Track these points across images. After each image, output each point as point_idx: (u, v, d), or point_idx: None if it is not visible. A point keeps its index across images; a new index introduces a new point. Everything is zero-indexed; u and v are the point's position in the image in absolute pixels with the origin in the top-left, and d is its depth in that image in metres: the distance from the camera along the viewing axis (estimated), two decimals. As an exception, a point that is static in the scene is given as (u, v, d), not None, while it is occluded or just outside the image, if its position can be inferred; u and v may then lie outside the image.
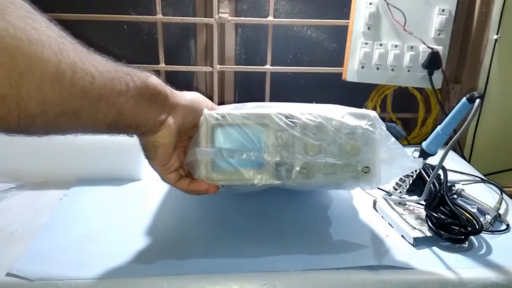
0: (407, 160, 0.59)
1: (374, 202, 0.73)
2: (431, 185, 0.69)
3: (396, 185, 0.73)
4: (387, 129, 0.59)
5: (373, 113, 0.58)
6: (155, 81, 0.48)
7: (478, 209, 0.73)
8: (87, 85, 0.40)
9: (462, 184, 0.83)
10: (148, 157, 0.54)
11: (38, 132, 0.39)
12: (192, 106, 0.54)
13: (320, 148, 0.57)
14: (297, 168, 0.57)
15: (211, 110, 0.56)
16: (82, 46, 0.41)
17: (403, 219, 0.68)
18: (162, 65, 1.04)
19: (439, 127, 0.66)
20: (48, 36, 0.36)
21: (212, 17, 1.01)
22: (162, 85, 0.50)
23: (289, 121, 0.56)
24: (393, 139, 0.59)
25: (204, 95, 0.58)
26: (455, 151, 1.03)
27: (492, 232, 0.67)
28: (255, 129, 0.56)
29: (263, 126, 0.56)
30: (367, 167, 0.58)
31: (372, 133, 0.57)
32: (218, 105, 1.00)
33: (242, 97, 1.16)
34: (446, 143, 0.64)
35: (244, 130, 0.55)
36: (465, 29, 1.03)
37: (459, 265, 0.59)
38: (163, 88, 0.50)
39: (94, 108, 0.42)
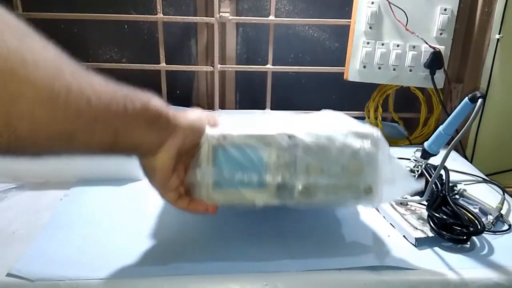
0: (410, 181, 0.59)
1: (376, 202, 0.73)
2: (433, 185, 0.68)
3: (397, 185, 0.73)
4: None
5: (377, 133, 0.57)
6: (156, 103, 0.47)
7: (480, 209, 0.73)
8: (82, 106, 0.38)
9: (464, 184, 0.83)
10: (146, 176, 0.54)
11: (30, 153, 0.38)
12: (194, 126, 0.53)
13: (322, 169, 0.56)
14: (299, 188, 0.56)
15: (213, 127, 0.55)
16: (80, 67, 0.40)
17: (405, 219, 0.68)
18: (162, 65, 1.04)
19: (441, 127, 0.66)
20: (43, 57, 0.36)
21: (213, 17, 1.00)
22: (163, 108, 0.48)
23: (291, 141, 0.55)
24: (396, 160, 0.58)
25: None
26: (457, 151, 1.03)
27: (494, 232, 0.67)
28: (256, 150, 0.55)
29: (265, 146, 0.55)
30: (369, 188, 0.57)
31: (375, 154, 0.57)
32: (219, 105, 0.99)
33: (243, 97, 1.16)
34: (448, 143, 0.64)
35: (245, 151, 0.54)
36: (467, 28, 1.03)
37: (461, 265, 0.59)
38: (164, 110, 0.48)
39: (89, 130, 0.41)
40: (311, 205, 0.57)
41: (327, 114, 0.77)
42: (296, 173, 0.56)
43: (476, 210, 0.71)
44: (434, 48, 0.96)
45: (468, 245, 0.63)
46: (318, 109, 1.04)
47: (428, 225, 0.65)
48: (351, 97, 1.14)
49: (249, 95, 1.17)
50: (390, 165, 0.57)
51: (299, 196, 0.56)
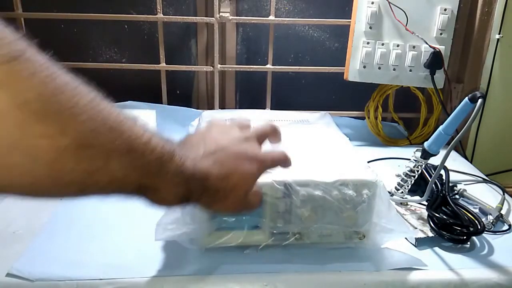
0: (405, 229, 0.60)
1: (376, 202, 0.73)
2: (433, 185, 0.68)
3: (398, 185, 0.73)
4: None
5: (378, 181, 0.57)
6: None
7: (480, 209, 0.73)
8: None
9: (464, 184, 0.83)
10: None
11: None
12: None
13: (317, 216, 0.57)
14: (293, 232, 0.58)
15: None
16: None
17: (405, 220, 0.67)
18: (162, 65, 1.04)
19: (441, 127, 0.66)
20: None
21: (213, 17, 1.00)
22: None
23: (287, 191, 0.56)
24: (394, 210, 0.58)
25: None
26: (457, 151, 1.03)
27: (494, 232, 0.67)
28: None
29: (262, 194, 0.55)
30: (363, 235, 0.59)
31: (372, 204, 0.57)
32: (219, 105, 0.98)
33: (243, 97, 1.16)
34: (448, 143, 0.64)
35: None
36: (467, 28, 1.03)
37: (461, 265, 0.59)
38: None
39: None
40: (303, 246, 0.59)
41: (322, 132, 0.78)
42: (290, 220, 0.57)
43: (476, 210, 0.71)
44: (434, 48, 0.96)
45: (468, 245, 0.63)
46: (318, 109, 1.04)
47: (428, 225, 0.65)
48: (351, 97, 1.14)
49: (249, 95, 1.17)
50: (388, 213, 0.57)
51: (293, 239, 0.58)
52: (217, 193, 0.45)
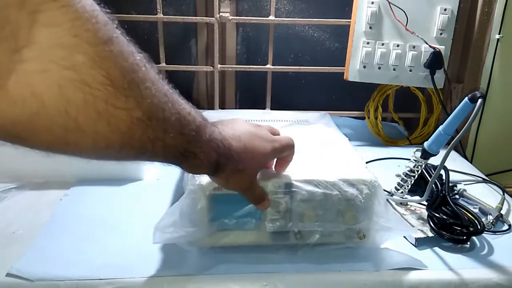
0: (404, 227, 0.61)
1: (376, 202, 0.73)
2: (433, 185, 0.68)
3: (398, 185, 0.73)
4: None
5: (374, 179, 0.58)
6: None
7: (480, 209, 0.73)
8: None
9: (464, 184, 0.83)
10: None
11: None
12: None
13: (317, 216, 0.57)
14: (294, 232, 0.58)
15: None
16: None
17: (405, 220, 0.67)
18: (162, 65, 1.04)
19: (441, 127, 0.66)
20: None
21: (213, 17, 1.00)
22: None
23: (288, 191, 0.56)
24: (391, 209, 0.59)
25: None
26: (457, 151, 1.03)
27: (494, 232, 0.67)
28: None
29: None
30: (363, 234, 0.59)
31: (371, 203, 0.58)
32: (219, 105, 0.99)
33: (243, 97, 1.16)
34: (448, 143, 0.64)
35: (241, 198, 0.55)
36: (467, 28, 1.03)
37: (461, 265, 0.59)
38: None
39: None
40: (304, 244, 0.59)
41: (321, 132, 0.78)
42: (291, 219, 0.57)
43: (476, 210, 0.71)
44: (434, 48, 0.96)
45: (468, 245, 0.63)
46: (318, 109, 1.04)
47: (428, 225, 0.65)
48: (351, 97, 1.14)
49: (249, 95, 1.17)
50: (386, 213, 0.58)
51: (294, 239, 0.59)
52: (237, 164, 0.49)
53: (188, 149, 0.43)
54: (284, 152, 0.55)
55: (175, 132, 0.41)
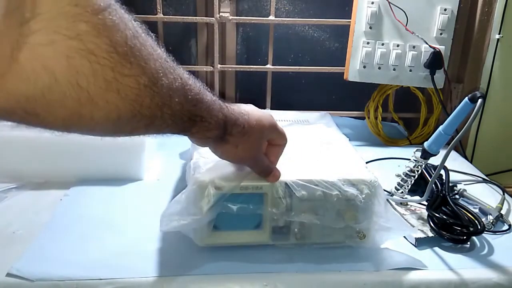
0: (403, 227, 0.61)
1: (376, 202, 0.73)
2: (433, 185, 0.68)
3: (398, 185, 0.73)
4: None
5: (374, 179, 0.58)
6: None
7: (480, 209, 0.73)
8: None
9: (464, 184, 0.83)
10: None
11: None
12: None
13: (317, 215, 0.57)
14: (294, 232, 0.58)
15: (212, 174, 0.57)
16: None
17: (405, 220, 0.67)
18: (163, 65, 1.04)
19: (441, 127, 0.66)
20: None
21: (213, 17, 1.00)
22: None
23: (288, 191, 0.56)
24: (391, 208, 0.59)
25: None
26: (457, 151, 1.03)
27: (494, 232, 0.67)
28: (253, 197, 0.56)
29: (262, 193, 0.56)
30: (363, 234, 0.59)
31: (371, 203, 0.58)
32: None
33: (243, 97, 1.16)
34: (448, 143, 0.64)
35: (242, 197, 0.55)
36: (467, 28, 1.03)
37: (461, 265, 0.59)
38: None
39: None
40: (304, 244, 0.59)
41: (322, 132, 0.78)
42: (291, 219, 0.57)
43: (476, 210, 0.71)
44: (434, 48, 0.96)
45: (468, 245, 0.63)
46: (318, 109, 1.04)
47: (428, 225, 0.65)
48: (351, 97, 1.14)
49: (249, 95, 1.17)
50: (386, 213, 0.58)
51: (294, 239, 0.59)
52: (244, 126, 0.50)
53: (195, 113, 0.44)
54: (281, 136, 0.56)
55: (180, 97, 0.42)
